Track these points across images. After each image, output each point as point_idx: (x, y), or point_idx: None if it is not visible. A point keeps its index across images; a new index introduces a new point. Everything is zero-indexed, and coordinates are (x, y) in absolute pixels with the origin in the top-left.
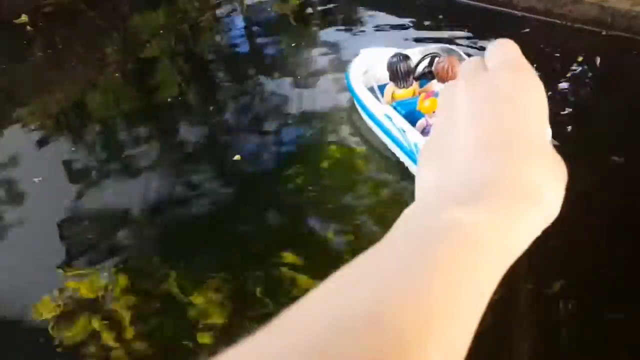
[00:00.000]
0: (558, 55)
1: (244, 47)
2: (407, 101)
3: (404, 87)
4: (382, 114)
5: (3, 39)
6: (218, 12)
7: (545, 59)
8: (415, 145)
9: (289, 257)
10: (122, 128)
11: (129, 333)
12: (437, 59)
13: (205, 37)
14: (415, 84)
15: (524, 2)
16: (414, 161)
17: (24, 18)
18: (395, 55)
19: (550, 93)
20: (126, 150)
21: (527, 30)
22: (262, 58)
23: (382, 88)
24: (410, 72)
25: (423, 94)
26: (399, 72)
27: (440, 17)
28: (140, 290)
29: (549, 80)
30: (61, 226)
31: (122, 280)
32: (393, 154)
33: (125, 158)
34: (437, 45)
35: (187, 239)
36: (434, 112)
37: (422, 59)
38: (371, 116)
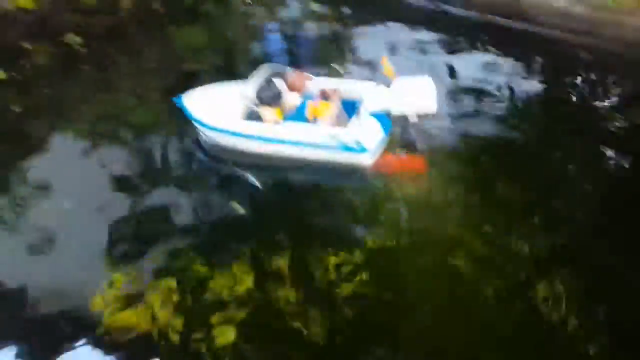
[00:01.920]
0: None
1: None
2: (292, 116)
3: (275, 106)
4: (297, 133)
5: (51, 55)
6: (253, 26)
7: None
8: (354, 140)
9: None
10: (163, 140)
11: (170, 323)
12: (275, 78)
13: (243, 51)
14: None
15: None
16: (353, 151)
17: (72, 36)
18: (261, 84)
19: None
20: (169, 159)
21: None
22: None
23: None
24: (277, 94)
25: (309, 103)
26: (269, 97)
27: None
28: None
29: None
30: (111, 226)
31: (165, 277)
32: (316, 162)
33: (169, 168)
34: (262, 68)
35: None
36: (324, 115)
37: (268, 82)
38: (279, 141)
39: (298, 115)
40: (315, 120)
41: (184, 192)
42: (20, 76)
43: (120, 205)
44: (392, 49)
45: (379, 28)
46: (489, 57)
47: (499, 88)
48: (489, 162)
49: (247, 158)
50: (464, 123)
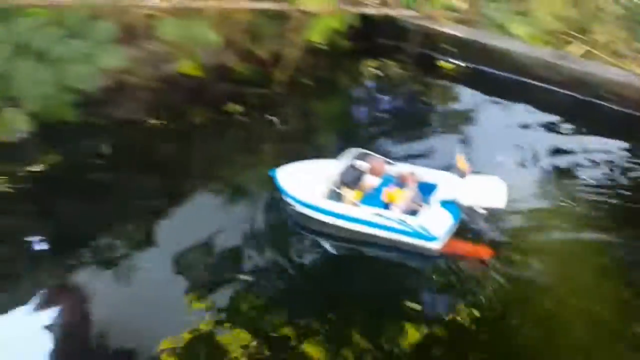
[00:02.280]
0: None
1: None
2: (369, 198)
3: (355, 189)
4: (371, 214)
5: (208, 118)
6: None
7: None
8: (420, 226)
9: None
10: (266, 203)
11: None
12: (360, 160)
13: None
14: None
15: None
16: (422, 237)
17: (232, 106)
18: (347, 167)
19: None
20: (263, 220)
21: None
22: None
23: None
24: (358, 177)
25: (385, 189)
26: (351, 181)
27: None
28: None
29: None
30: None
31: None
32: (388, 240)
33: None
34: (349, 152)
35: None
36: (398, 200)
37: (352, 166)
38: (355, 220)
39: (375, 197)
40: (389, 204)
41: (268, 252)
42: (176, 127)
43: (208, 257)
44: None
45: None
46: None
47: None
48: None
49: (327, 229)
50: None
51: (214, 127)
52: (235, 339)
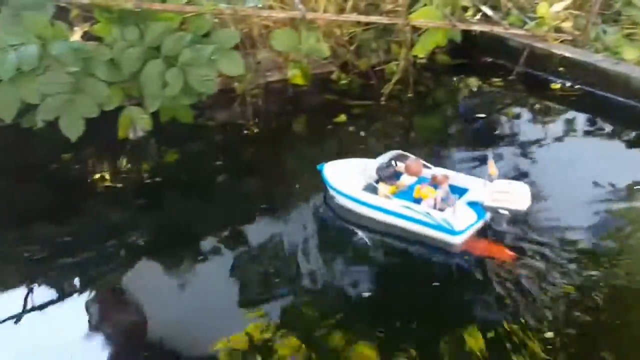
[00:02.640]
0: None
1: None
2: (402, 194)
3: (391, 184)
4: (399, 206)
5: (315, 131)
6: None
7: None
8: (443, 219)
9: None
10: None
11: None
12: (399, 161)
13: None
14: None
15: None
16: (445, 230)
17: (336, 116)
18: (382, 163)
19: None
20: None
21: None
22: None
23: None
24: (394, 174)
25: (418, 186)
26: (386, 176)
27: None
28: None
29: None
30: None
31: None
32: (414, 233)
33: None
34: (390, 152)
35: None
36: (429, 197)
37: (388, 164)
38: (385, 211)
39: (407, 193)
40: (419, 199)
41: (329, 262)
42: (276, 134)
43: (277, 263)
44: None
45: None
46: None
47: None
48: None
49: (363, 221)
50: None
51: (315, 136)
52: (285, 345)
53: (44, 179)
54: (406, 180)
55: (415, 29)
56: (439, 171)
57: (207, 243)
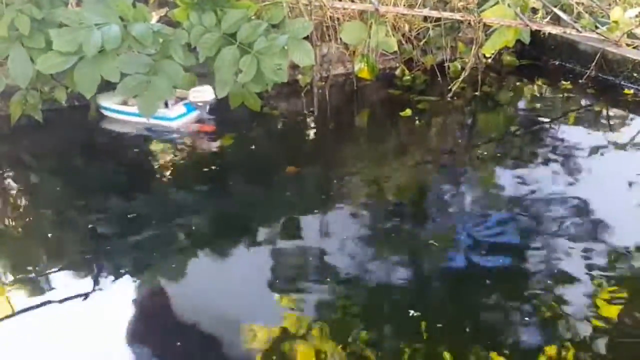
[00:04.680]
0: None
1: None
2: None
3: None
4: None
5: (379, 124)
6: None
7: None
8: (163, 113)
9: None
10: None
11: None
12: None
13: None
14: None
15: None
16: (166, 119)
17: (401, 111)
18: None
19: None
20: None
21: None
22: None
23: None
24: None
25: None
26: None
27: None
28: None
29: None
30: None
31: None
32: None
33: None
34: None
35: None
36: None
37: None
38: (136, 114)
39: None
40: None
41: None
42: (339, 126)
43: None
44: None
45: None
46: None
47: None
48: None
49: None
50: None
51: (379, 128)
52: (317, 341)
53: (113, 158)
54: None
55: (484, 27)
56: None
57: (260, 231)
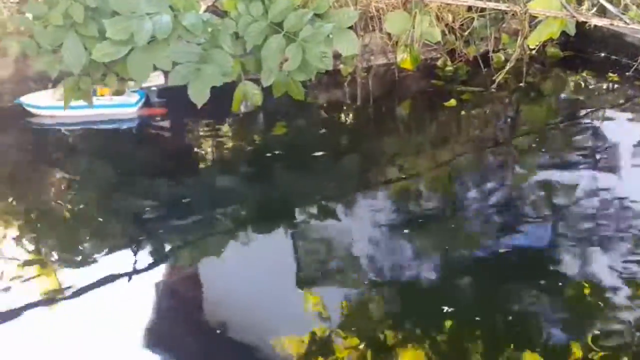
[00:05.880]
0: None
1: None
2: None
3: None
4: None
5: (420, 115)
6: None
7: None
8: (122, 100)
9: None
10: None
11: None
12: None
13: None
14: None
15: None
16: (125, 106)
17: (452, 102)
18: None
19: None
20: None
21: None
22: None
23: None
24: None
25: (99, 89)
26: None
27: None
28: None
29: None
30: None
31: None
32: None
33: None
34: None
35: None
36: (107, 92)
37: None
38: (81, 107)
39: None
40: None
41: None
42: (379, 115)
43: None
44: None
45: None
46: None
47: None
48: None
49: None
50: None
51: (423, 119)
52: (343, 340)
53: (163, 143)
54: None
55: (532, 17)
56: None
57: (299, 219)
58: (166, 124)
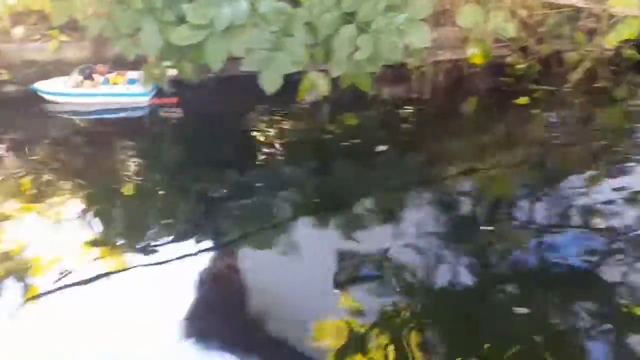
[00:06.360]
0: None
1: None
2: (102, 85)
3: (91, 81)
4: (107, 88)
5: (487, 112)
6: None
7: None
8: (137, 90)
9: None
10: None
11: None
12: (88, 69)
13: None
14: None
15: None
16: (139, 95)
17: (524, 100)
18: (81, 70)
19: None
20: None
21: None
22: None
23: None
24: (90, 75)
25: (111, 77)
26: (87, 75)
27: None
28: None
29: None
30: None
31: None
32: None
33: None
34: (81, 65)
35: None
36: (121, 81)
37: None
38: (97, 95)
39: (105, 84)
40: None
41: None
42: (444, 112)
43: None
44: None
45: None
46: None
47: None
48: None
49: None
50: None
51: (492, 116)
52: (374, 339)
53: (232, 128)
54: (97, 78)
55: (612, 16)
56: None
57: (354, 210)
58: (221, 112)
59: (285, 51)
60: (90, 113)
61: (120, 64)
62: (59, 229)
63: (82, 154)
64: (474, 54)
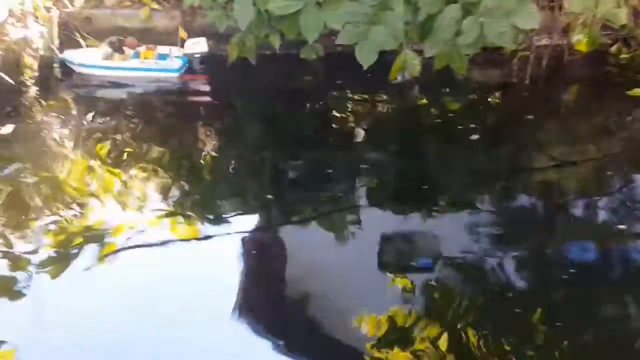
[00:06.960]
0: None
1: None
2: (132, 59)
3: (121, 54)
4: (138, 62)
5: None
6: None
7: None
8: (167, 65)
9: None
10: None
11: None
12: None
13: None
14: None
15: None
16: (170, 71)
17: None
18: (111, 42)
19: None
20: None
21: None
22: None
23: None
24: (120, 47)
25: (141, 51)
26: (117, 48)
27: None
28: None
29: None
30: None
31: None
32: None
33: None
34: (110, 38)
35: None
36: (151, 56)
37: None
38: (128, 69)
39: (135, 57)
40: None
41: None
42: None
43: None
44: None
45: None
46: None
47: None
48: None
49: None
50: None
51: (600, 107)
52: (421, 330)
53: (308, 106)
54: (128, 51)
55: None
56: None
57: (437, 201)
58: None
59: (384, 25)
60: (120, 87)
61: (206, 34)
62: (136, 196)
63: (159, 127)
64: (579, 40)
